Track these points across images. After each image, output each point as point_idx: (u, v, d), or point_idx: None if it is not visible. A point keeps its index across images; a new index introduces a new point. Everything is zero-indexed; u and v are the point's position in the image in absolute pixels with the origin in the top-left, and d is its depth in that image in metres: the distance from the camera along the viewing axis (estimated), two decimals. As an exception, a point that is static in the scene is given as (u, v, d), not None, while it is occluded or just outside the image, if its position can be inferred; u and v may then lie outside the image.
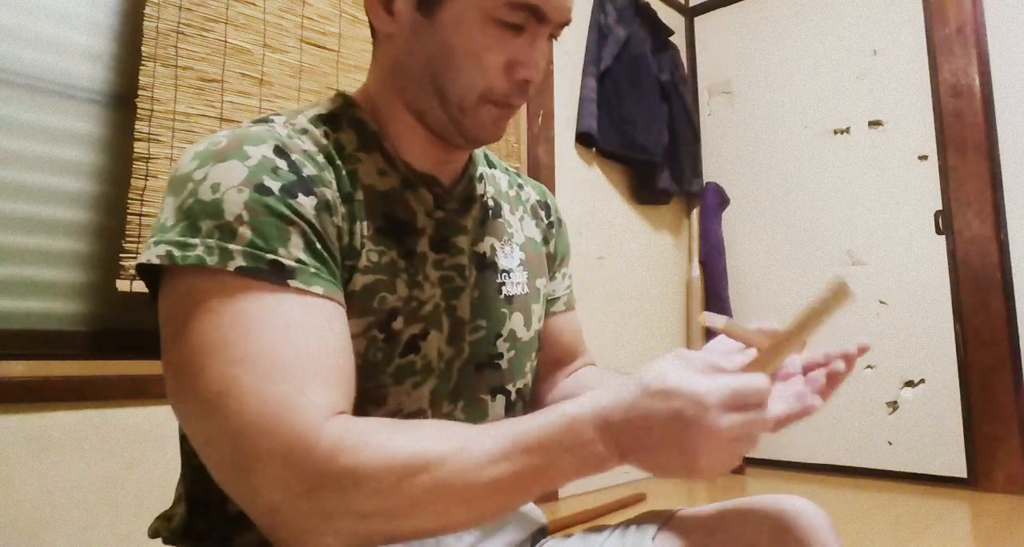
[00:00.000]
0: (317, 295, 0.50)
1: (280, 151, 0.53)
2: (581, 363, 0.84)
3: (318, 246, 0.52)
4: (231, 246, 0.48)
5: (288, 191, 0.51)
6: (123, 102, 1.40)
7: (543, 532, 0.70)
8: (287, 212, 0.50)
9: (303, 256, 0.50)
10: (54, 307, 1.30)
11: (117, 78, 1.41)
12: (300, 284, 0.49)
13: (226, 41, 1.44)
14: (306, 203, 0.52)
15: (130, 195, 1.29)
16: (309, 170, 0.54)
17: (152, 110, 1.32)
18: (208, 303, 0.48)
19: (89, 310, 1.34)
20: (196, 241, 0.49)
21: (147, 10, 1.33)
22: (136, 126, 1.30)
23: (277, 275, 0.49)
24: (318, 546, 0.45)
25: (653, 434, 0.44)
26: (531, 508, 0.69)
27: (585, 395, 0.48)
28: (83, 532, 1.16)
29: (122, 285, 1.26)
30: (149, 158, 1.31)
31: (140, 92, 1.31)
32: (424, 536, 0.47)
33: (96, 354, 1.31)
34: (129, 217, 1.28)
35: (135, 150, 1.30)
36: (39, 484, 1.13)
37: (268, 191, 0.50)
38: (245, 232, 0.49)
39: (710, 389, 0.43)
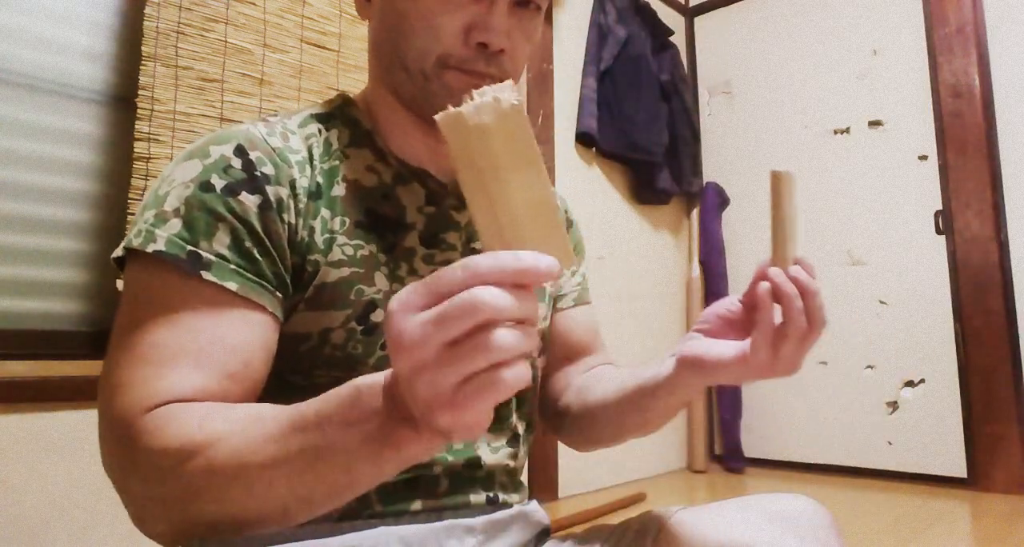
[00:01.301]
0: (230, 291, 0.51)
1: (240, 150, 0.55)
2: (597, 361, 0.81)
3: (247, 244, 0.53)
4: (157, 231, 0.51)
5: (231, 189, 0.53)
6: (123, 102, 1.40)
7: (547, 533, 0.70)
8: (222, 210, 0.52)
9: (226, 252, 0.52)
10: (54, 307, 1.30)
11: (117, 78, 1.41)
12: (214, 278, 0.51)
13: (226, 41, 1.44)
14: (248, 201, 0.53)
15: (130, 195, 1.29)
16: (266, 168, 0.55)
17: (152, 110, 1.32)
18: (130, 288, 0.53)
19: (89, 310, 1.34)
20: (135, 229, 0.53)
21: (147, 10, 1.33)
22: (136, 126, 1.30)
23: (192, 266, 0.50)
24: (154, 531, 0.47)
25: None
26: (535, 509, 0.69)
27: None
28: (83, 532, 1.16)
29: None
30: (149, 158, 1.31)
31: (140, 92, 1.31)
32: (223, 524, 0.44)
33: (96, 354, 1.31)
34: (129, 217, 1.28)
35: (135, 150, 1.30)
36: (39, 484, 1.13)
37: (211, 188, 0.53)
38: (175, 223, 0.51)
39: (401, 290, 0.35)
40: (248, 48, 1.47)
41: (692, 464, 2.50)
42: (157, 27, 1.33)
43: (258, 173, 0.54)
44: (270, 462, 0.41)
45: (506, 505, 0.65)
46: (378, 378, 0.39)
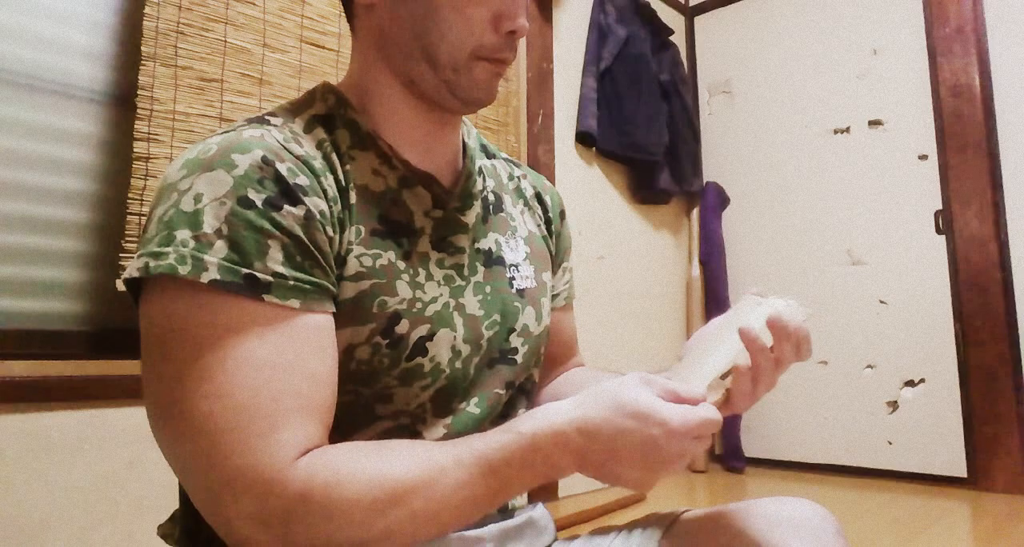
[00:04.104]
0: (293, 309, 0.49)
1: (267, 160, 0.51)
2: (573, 363, 0.83)
3: (298, 259, 0.50)
4: (206, 257, 0.47)
5: (272, 204, 0.50)
6: (123, 102, 1.40)
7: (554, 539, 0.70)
8: (268, 226, 0.49)
9: (281, 269, 0.49)
10: (54, 307, 1.30)
11: (117, 78, 1.41)
12: (276, 299, 0.48)
13: (226, 41, 1.44)
14: (291, 214, 0.51)
15: (130, 195, 1.29)
16: (301, 179, 0.52)
17: (152, 110, 1.32)
18: (186, 325, 0.47)
19: (89, 310, 1.34)
20: (169, 249, 0.48)
21: (147, 10, 1.32)
22: (136, 126, 1.30)
23: (251, 290, 0.48)
24: None
25: (620, 452, 0.49)
26: (542, 515, 0.69)
27: (544, 409, 0.52)
28: (83, 532, 1.16)
29: (122, 285, 1.26)
30: (149, 158, 1.31)
31: (140, 92, 1.31)
32: None
33: (96, 354, 1.31)
34: (129, 217, 1.28)
35: (135, 150, 1.30)
36: (39, 484, 1.13)
37: (251, 204, 0.49)
38: (222, 245, 0.48)
39: (684, 421, 0.48)
40: (248, 48, 1.47)
41: (692, 464, 2.50)
42: (157, 27, 1.33)
43: (294, 184, 0.52)
44: (464, 502, 0.49)
45: (514, 510, 0.65)
46: (544, 429, 0.51)
